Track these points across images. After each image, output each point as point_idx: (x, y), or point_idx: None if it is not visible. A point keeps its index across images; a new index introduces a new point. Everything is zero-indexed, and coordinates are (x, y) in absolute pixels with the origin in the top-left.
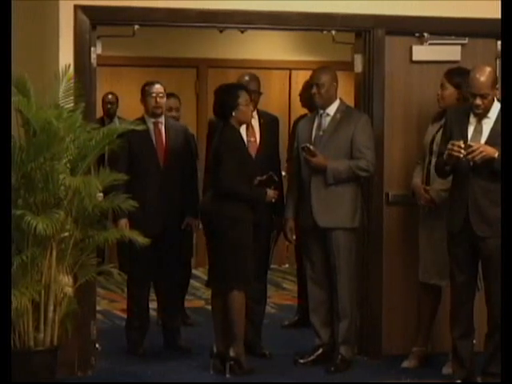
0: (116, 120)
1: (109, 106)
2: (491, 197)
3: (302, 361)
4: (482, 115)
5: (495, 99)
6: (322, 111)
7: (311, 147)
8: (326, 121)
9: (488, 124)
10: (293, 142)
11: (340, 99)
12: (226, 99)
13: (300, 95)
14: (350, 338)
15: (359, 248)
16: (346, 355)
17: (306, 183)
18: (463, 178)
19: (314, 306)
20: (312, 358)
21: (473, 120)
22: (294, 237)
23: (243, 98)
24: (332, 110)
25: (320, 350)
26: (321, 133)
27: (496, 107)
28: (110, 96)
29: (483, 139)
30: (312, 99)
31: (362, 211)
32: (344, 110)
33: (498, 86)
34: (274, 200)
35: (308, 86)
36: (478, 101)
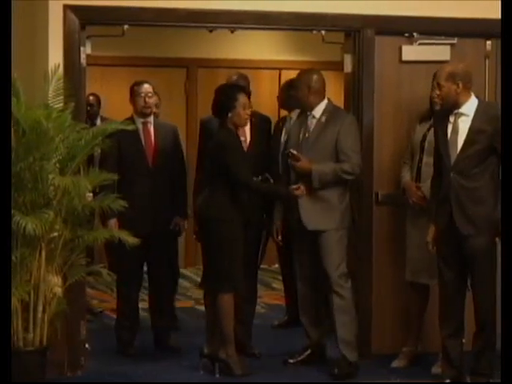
0: (98, 121)
1: (88, 108)
2: (473, 195)
3: (291, 361)
4: (458, 113)
5: (472, 96)
6: (308, 113)
7: (295, 152)
8: (313, 123)
9: (465, 122)
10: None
11: (328, 99)
12: (224, 99)
13: (278, 96)
14: (351, 341)
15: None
16: (349, 357)
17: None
18: (446, 176)
19: (304, 307)
20: (302, 357)
21: (452, 119)
22: (280, 237)
23: (241, 100)
24: (318, 111)
25: (309, 350)
26: (307, 135)
27: (472, 104)
28: (90, 97)
29: (460, 138)
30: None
31: (349, 213)
32: (331, 110)
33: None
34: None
35: (287, 87)
36: (436, 91)
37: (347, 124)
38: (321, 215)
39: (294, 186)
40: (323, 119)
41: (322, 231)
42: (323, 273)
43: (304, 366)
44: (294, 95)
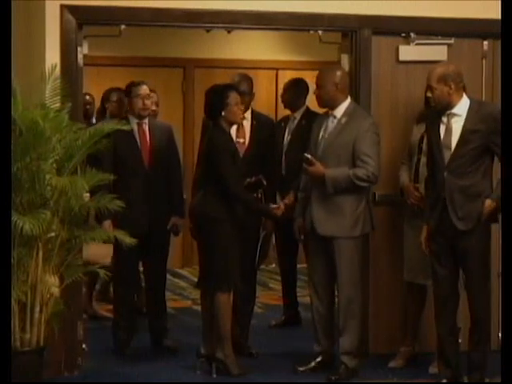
0: (94, 120)
1: (88, 106)
2: (468, 192)
3: (301, 369)
4: (451, 114)
5: (464, 96)
6: (330, 112)
7: (309, 156)
8: (333, 123)
9: (458, 122)
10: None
11: (350, 99)
12: (216, 99)
13: (281, 96)
14: (353, 349)
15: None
16: (349, 364)
17: (308, 190)
18: (439, 176)
19: (318, 317)
20: (312, 365)
21: (444, 119)
22: (302, 236)
23: (233, 98)
24: (339, 112)
25: (320, 358)
26: (326, 135)
27: (465, 104)
28: (87, 97)
29: (454, 138)
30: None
31: (364, 220)
32: (351, 112)
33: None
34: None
35: (290, 86)
36: (428, 93)
37: (365, 128)
38: (332, 221)
39: (275, 206)
40: (343, 120)
41: (335, 237)
42: (335, 278)
43: (314, 373)
44: (318, 95)
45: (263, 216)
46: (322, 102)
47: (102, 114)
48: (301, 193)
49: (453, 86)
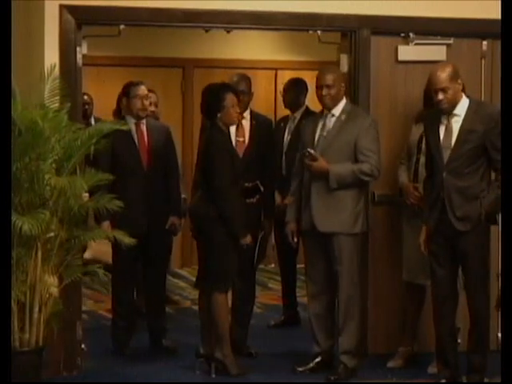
0: (92, 120)
1: (86, 106)
2: (466, 193)
3: (300, 369)
4: (451, 114)
5: (463, 96)
6: (327, 112)
7: (312, 152)
8: (331, 122)
9: (457, 122)
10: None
11: (346, 99)
12: (212, 100)
13: (283, 96)
14: (352, 349)
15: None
16: (348, 364)
17: (306, 186)
18: (439, 177)
19: (316, 318)
20: (311, 366)
21: (444, 120)
22: (296, 239)
23: (229, 99)
24: (338, 110)
25: (319, 358)
26: (325, 133)
27: (464, 104)
28: (85, 97)
29: (454, 138)
30: (321, 101)
31: (363, 217)
32: (349, 110)
33: (461, 81)
34: (245, 245)
35: (290, 86)
36: (440, 95)
37: (367, 125)
38: (333, 217)
39: (246, 238)
40: (343, 118)
41: (335, 234)
42: (334, 276)
43: (313, 373)
44: (327, 95)
45: (230, 231)
46: (331, 101)
47: (117, 114)
48: (292, 196)
49: (460, 82)
